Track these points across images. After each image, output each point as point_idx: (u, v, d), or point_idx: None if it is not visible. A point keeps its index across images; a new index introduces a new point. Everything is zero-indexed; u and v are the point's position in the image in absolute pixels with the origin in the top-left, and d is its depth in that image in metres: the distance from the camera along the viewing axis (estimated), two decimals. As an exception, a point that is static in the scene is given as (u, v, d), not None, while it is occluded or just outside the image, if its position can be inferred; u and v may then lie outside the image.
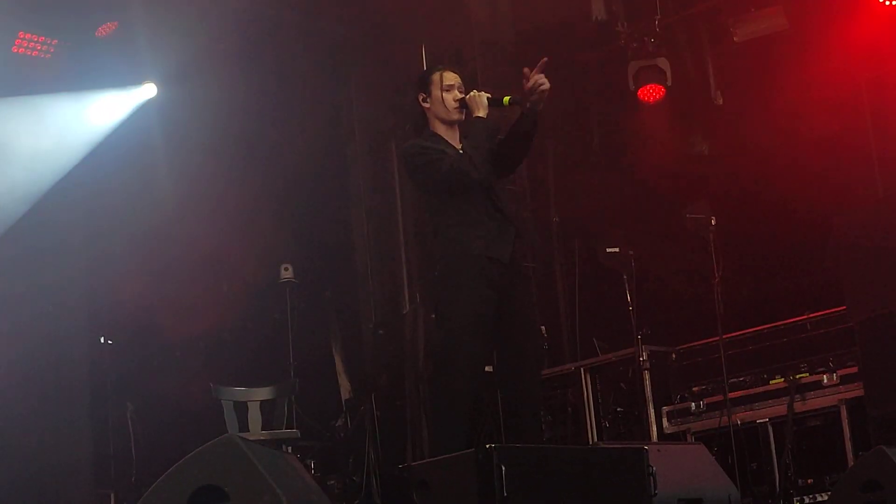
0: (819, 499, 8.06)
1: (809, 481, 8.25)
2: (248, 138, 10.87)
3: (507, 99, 6.10)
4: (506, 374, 6.14)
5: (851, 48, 9.26)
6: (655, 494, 5.24)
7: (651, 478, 5.23)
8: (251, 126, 10.84)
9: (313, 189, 11.12)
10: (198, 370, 9.97)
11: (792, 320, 8.75)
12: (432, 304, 6.20)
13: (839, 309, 8.39)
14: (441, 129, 6.23)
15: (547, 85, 5.99)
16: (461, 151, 6.15)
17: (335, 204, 11.30)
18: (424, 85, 6.26)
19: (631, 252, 9.58)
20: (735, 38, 9.85)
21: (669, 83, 10.12)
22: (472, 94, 6.14)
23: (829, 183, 9.25)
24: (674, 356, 9.29)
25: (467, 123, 6.21)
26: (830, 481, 7.88)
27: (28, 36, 9.87)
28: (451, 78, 6.24)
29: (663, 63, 10.10)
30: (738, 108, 10.12)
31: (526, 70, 6.04)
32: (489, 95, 6.12)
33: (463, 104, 6.17)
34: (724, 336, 8.68)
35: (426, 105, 6.25)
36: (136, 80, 10.39)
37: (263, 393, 9.23)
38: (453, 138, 6.24)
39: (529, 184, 11.05)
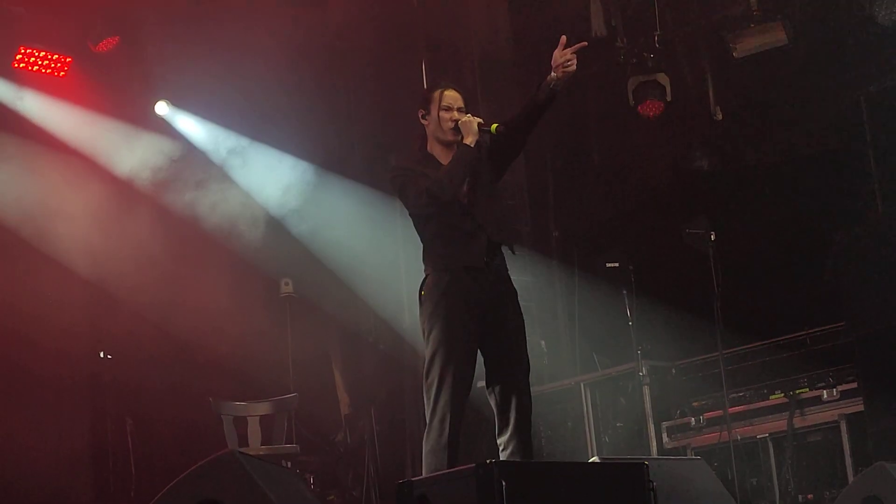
0: (819, 514, 8.06)
1: (809, 497, 8.25)
2: (247, 150, 10.90)
3: (494, 126, 6.06)
4: (497, 381, 6.12)
5: (850, 62, 9.27)
6: (656, 510, 5.23)
7: (651, 493, 5.22)
8: (250, 138, 10.87)
9: (315, 203, 11.12)
10: (197, 385, 9.96)
11: (792, 336, 8.77)
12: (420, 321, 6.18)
13: (839, 324, 8.40)
14: (437, 149, 6.22)
15: (574, 67, 5.96)
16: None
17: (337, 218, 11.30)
18: (425, 102, 6.25)
19: (630, 267, 9.58)
20: (734, 54, 9.87)
21: (669, 98, 10.14)
22: (465, 118, 6.12)
23: (829, 198, 9.25)
24: (673, 371, 9.30)
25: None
26: (830, 497, 7.88)
27: (29, 51, 9.91)
28: (450, 98, 6.21)
29: (663, 78, 10.12)
30: (737, 123, 10.13)
31: (563, 38, 6.00)
32: (480, 121, 6.09)
33: (457, 127, 6.15)
34: (724, 351, 8.68)
35: (424, 122, 6.25)
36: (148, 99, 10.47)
37: (263, 408, 9.24)
38: (448, 158, 6.20)
39: (529, 198, 11.06)
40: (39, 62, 9.99)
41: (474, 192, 6.12)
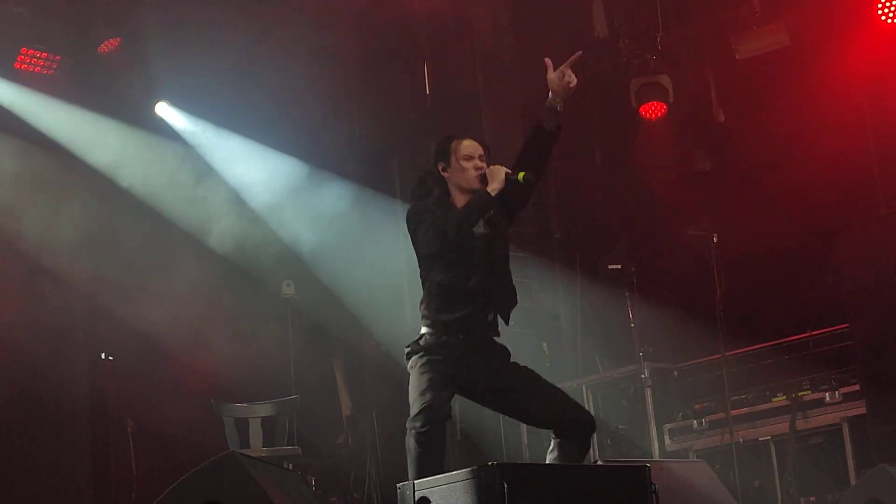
0: (821, 517, 8.06)
1: (812, 499, 8.24)
2: (246, 151, 10.90)
3: (522, 175, 5.95)
4: (527, 409, 5.94)
5: (853, 65, 9.27)
6: (658, 512, 5.22)
7: (654, 496, 5.21)
8: (249, 138, 10.87)
9: (315, 204, 11.12)
10: (199, 387, 9.96)
11: (794, 338, 8.76)
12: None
13: (841, 327, 8.39)
14: (460, 199, 6.05)
15: (574, 82, 5.92)
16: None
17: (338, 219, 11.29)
18: (443, 155, 6.10)
19: (633, 269, 9.58)
20: (737, 56, 9.86)
21: (671, 100, 10.13)
22: (493, 167, 6.00)
23: (831, 200, 9.25)
24: (676, 373, 9.29)
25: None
26: (833, 499, 7.87)
27: (30, 52, 9.91)
28: (469, 147, 6.09)
29: (665, 80, 10.10)
30: (739, 125, 10.12)
31: (547, 60, 5.94)
32: (508, 171, 5.98)
33: (483, 175, 6.01)
34: (727, 353, 8.67)
35: (445, 174, 6.08)
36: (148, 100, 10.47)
37: (265, 409, 9.23)
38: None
39: (531, 200, 11.04)
40: (41, 63, 9.98)
41: (489, 251, 6.00)
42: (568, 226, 11.08)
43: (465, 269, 5.94)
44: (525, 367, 6.02)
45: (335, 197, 11.07)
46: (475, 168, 6.01)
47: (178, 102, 10.63)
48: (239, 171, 10.89)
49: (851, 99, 9.36)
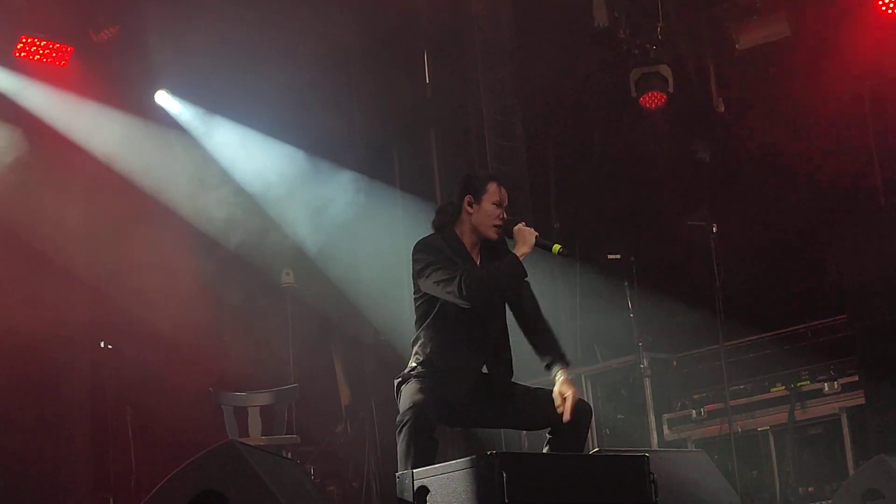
0: (819, 507, 8.06)
1: (810, 489, 8.24)
2: (245, 139, 10.90)
3: (556, 248, 5.76)
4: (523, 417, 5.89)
5: (853, 56, 9.25)
6: (657, 502, 5.22)
7: (652, 485, 5.21)
8: (248, 126, 10.87)
9: (315, 194, 11.12)
10: (198, 375, 9.96)
11: (793, 328, 8.76)
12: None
13: (840, 317, 8.39)
14: (467, 237, 5.87)
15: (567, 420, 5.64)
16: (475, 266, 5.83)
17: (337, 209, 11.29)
18: (476, 191, 5.83)
19: (632, 259, 9.57)
20: (737, 46, 9.85)
21: (671, 90, 10.11)
22: (520, 226, 5.76)
23: (831, 191, 9.24)
24: (674, 363, 9.28)
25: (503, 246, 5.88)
26: (831, 489, 7.87)
27: (29, 40, 9.90)
28: (505, 195, 5.85)
29: (665, 70, 10.08)
30: (739, 115, 10.11)
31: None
32: (538, 235, 5.73)
33: (502, 228, 5.80)
34: (725, 344, 8.68)
35: (470, 210, 5.82)
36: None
37: (264, 398, 9.23)
38: (474, 250, 5.88)
39: (530, 190, 11.04)
40: (40, 51, 9.97)
41: (498, 309, 5.85)
42: (567, 215, 11.07)
43: (473, 322, 5.75)
44: (511, 381, 5.90)
45: (335, 186, 11.07)
46: (498, 217, 5.81)
47: (178, 91, 10.63)
48: (239, 160, 10.89)
49: (852, 90, 9.35)
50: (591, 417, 5.82)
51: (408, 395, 5.61)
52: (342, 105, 11.47)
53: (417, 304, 5.85)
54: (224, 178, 10.75)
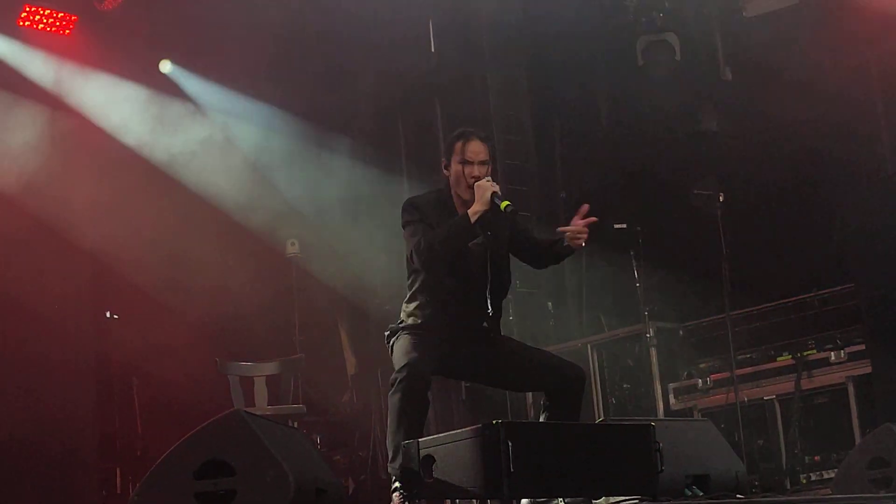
0: (826, 476, 8.05)
1: (816, 458, 8.25)
2: (250, 111, 10.88)
3: (505, 204, 5.54)
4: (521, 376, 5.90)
5: (861, 24, 9.19)
6: (662, 471, 5.23)
7: (658, 454, 5.22)
8: (253, 98, 10.84)
9: (320, 163, 11.10)
10: (203, 345, 9.97)
11: (800, 297, 8.74)
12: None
13: (847, 286, 8.37)
14: (458, 201, 5.80)
15: (582, 242, 5.66)
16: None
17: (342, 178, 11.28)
18: (447, 151, 5.82)
19: (638, 228, 9.54)
20: (745, 13, 9.79)
21: (678, 58, 10.06)
22: (482, 181, 5.64)
23: (838, 160, 9.20)
24: (681, 333, 9.28)
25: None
26: (837, 458, 7.87)
27: (33, 8, 9.86)
28: (472, 151, 5.73)
29: (672, 38, 10.03)
30: (746, 83, 10.06)
31: (586, 207, 5.70)
32: (496, 190, 5.61)
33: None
34: (732, 313, 8.67)
35: (446, 172, 5.82)
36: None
37: (269, 368, 9.24)
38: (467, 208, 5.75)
39: (537, 160, 11.01)
40: (44, 20, 9.94)
41: (489, 262, 5.78)
42: (574, 185, 11.03)
43: (457, 277, 5.75)
44: (506, 336, 5.93)
45: (341, 155, 11.05)
46: (470, 176, 5.71)
47: (183, 60, 10.60)
48: (244, 129, 10.87)
49: (859, 58, 9.29)
50: (584, 382, 5.80)
51: (401, 351, 5.68)
52: (347, 77, 11.41)
53: (408, 262, 5.86)
54: (228, 147, 10.73)
